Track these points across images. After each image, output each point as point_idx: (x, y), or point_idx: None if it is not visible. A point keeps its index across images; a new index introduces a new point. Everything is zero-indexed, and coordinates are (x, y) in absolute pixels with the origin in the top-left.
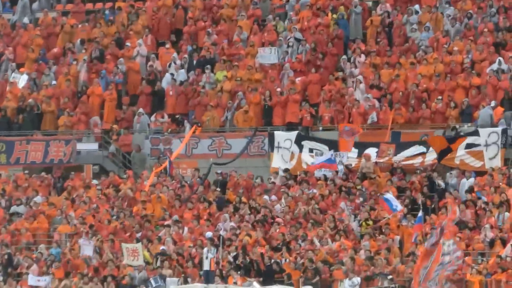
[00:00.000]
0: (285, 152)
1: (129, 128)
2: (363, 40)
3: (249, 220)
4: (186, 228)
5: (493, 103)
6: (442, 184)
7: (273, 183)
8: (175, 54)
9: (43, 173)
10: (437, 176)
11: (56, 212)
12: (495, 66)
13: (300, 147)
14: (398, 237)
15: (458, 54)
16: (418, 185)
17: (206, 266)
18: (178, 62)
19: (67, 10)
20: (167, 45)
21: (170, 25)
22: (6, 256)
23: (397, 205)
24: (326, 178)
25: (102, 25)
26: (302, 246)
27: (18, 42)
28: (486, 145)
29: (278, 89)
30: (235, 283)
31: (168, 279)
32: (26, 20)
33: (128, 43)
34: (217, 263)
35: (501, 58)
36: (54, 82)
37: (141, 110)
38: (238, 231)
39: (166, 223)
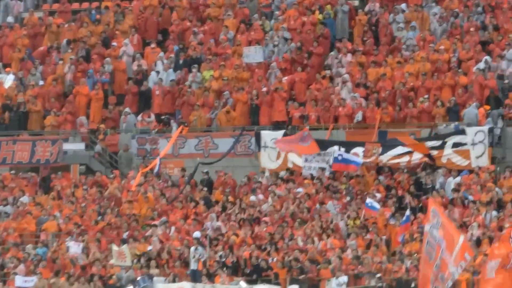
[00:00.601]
0: (272, 152)
1: (116, 128)
2: (349, 39)
3: (235, 219)
4: (173, 228)
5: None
6: (430, 183)
7: (260, 182)
8: (161, 54)
9: (29, 173)
10: (425, 175)
11: (42, 212)
12: (481, 65)
13: None
14: (384, 237)
15: (444, 53)
16: (406, 184)
17: (193, 266)
18: (165, 61)
19: (53, 10)
20: (153, 45)
21: (157, 25)
22: None
23: (376, 205)
24: (312, 177)
25: (89, 25)
26: (289, 245)
27: (4, 42)
28: (473, 144)
29: (265, 88)
30: (222, 282)
31: (155, 278)
32: (10, 19)
33: (114, 43)
34: (204, 262)
35: (487, 57)
36: (41, 82)
37: (127, 109)
38: (225, 231)
39: (154, 223)
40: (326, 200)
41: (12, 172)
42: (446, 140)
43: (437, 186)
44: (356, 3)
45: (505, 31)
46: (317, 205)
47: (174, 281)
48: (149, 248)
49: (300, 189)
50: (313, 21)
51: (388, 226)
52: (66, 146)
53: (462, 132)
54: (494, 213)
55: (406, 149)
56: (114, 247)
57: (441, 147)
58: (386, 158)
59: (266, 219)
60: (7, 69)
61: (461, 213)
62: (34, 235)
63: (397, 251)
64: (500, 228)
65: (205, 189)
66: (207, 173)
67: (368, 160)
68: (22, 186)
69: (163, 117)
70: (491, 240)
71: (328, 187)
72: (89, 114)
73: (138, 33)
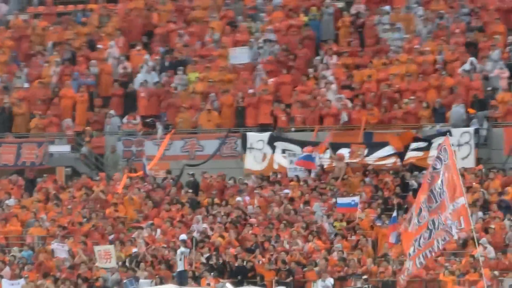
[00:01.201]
0: (258, 153)
1: (102, 130)
2: (335, 41)
3: (221, 221)
4: (159, 230)
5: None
6: (415, 184)
7: (246, 184)
8: (147, 56)
9: (14, 175)
10: (410, 176)
11: (28, 215)
12: (467, 66)
13: (273, 148)
14: (371, 238)
15: (430, 54)
16: (391, 186)
17: (179, 268)
18: (151, 63)
19: (38, 12)
20: (138, 47)
21: (142, 27)
22: None
23: (353, 199)
24: (299, 179)
25: (74, 27)
26: (275, 247)
27: None
28: (459, 145)
29: (251, 90)
30: (208, 284)
31: (141, 280)
32: None
33: (100, 45)
34: (190, 264)
35: (473, 59)
36: (26, 84)
37: (111, 111)
38: (211, 233)
39: (140, 225)
40: (312, 202)
41: None
42: (432, 141)
43: None
44: (342, 5)
45: (490, 32)
46: (301, 206)
47: (160, 283)
48: (135, 250)
49: (286, 191)
50: (299, 23)
51: (374, 228)
52: (52, 149)
53: (448, 133)
54: (480, 214)
55: (392, 151)
56: (99, 248)
57: (427, 149)
58: (373, 159)
59: (252, 221)
60: None
61: None
62: (20, 238)
63: (383, 253)
64: (486, 230)
65: (191, 191)
66: (193, 175)
67: (354, 161)
68: (8, 188)
69: (148, 120)
70: (476, 241)
71: (314, 189)
72: (75, 117)
73: (123, 35)
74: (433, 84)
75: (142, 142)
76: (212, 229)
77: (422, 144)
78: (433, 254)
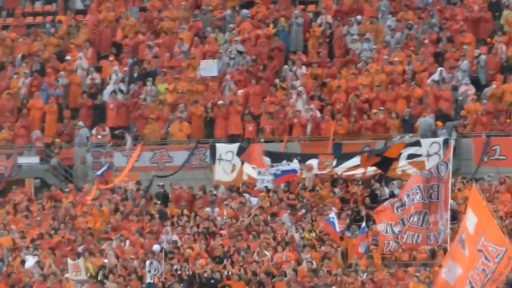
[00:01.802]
0: (227, 164)
1: (71, 142)
2: (304, 51)
3: (191, 232)
4: (127, 242)
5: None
6: (386, 194)
7: (215, 195)
8: (116, 67)
9: None
10: (379, 186)
11: None
12: (436, 76)
13: (242, 159)
14: (340, 249)
15: (399, 65)
16: (360, 196)
17: (148, 279)
18: (120, 75)
19: (7, 24)
20: (111, 58)
21: (111, 38)
22: None
23: (338, 226)
24: (268, 190)
25: (43, 39)
26: (245, 258)
27: None
28: (428, 155)
29: (220, 101)
30: None
31: None
32: None
33: (68, 57)
34: (160, 275)
35: (442, 69)
36: None
37: (80, 123)
38: (180, 244)
39: (109, 237)
40: (281, 213)
41: None
42: (401, 151)
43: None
44: (311, 15)
45: (459, 42)
46: (268, 217)
47: None
48: (105, 261)
49: (254, 201)
50: (268, 34)
51: (344, 238)
52: (21, 160)
53: (417, 143)
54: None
55: None
56: (70, 261)
57: (396, 159)
58: (341, 170)
59: (222, 232)
60: None
61: None
62: None
63: (353, 263)
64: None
65: (160, 202)
66: (162, 186)
67: (323, 172)
68: None
69: (117, 131)
70: (445, 251)
71: (283, 200)
72: (44, 128)
73: (92, 46)
74: (402, 95)
75: (111, 154)
76: (181, 240)
77: None
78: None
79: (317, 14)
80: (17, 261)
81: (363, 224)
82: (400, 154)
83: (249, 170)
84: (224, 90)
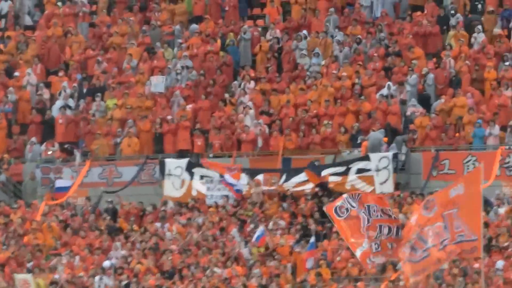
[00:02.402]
0: (176, 180)
1: (20, 158)
2: (252, 66)
3: (140, 248)
4: (77, 257)
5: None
6: None
7: (164, 211)
8: (65, 83)
9: None
10: (328, 201)
11: None
12: (384, 91)
13: (191, 174)
14: (289, 264)
15: (347, 80)
16: (307, 211)
17: None
18: (68, 90)
19: None
20: (60, 73)
21: (60, 54)
22: None
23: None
24: (217, 205)
25: None
26: (194, 273)
27: None
28: (377, 170)
29: (169, 117)
30: None
31: None
32: None
33: (17, 73)
34: None
35: (390, 83)
36: None
37: (33, 139)
38: (129, 259)
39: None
40: (230, 228)
41: None
42: (350, 166)
43: None
44: (259, 30)
45: (407, 57)
46: (217, 232)
47: None
48: (55, 277)
49: (199, 219)
50: (216, 49)
51: (293, 253)
52: None
53: (366, 158)
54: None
55: None
56: (18, 276)
57: (345, 173)
58: (291, 185)
59: (172, 247)
60: None
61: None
62: None
63: (303, 279)
64: None
65: (109, 217)
66: (111, 202)
67: (270, 188)
68: None
69: (66, 146)
70: (394, 266)
71: (232, 215)
72: None
73: (41, 62)
74: (351, 109)
75: (61, 169)
76: (130, 255)
77: (340, 169)
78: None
79: (265, 29)
80: None
81: (312, 240)
82: (349, 169)
83: (198, 185)
84: (173, 106)
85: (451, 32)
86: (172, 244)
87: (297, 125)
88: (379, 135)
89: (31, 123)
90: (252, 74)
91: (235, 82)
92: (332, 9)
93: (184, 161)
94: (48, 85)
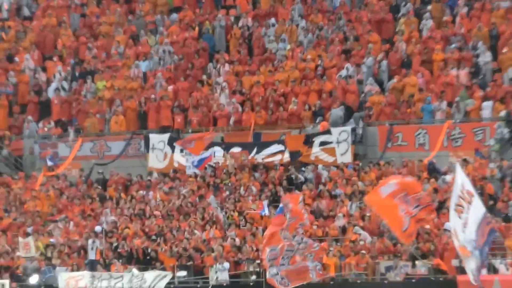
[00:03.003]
0: (159, 153)
1: (20, 134)
2: (226, 51)
3: (128, 214)
4: (71, 223)
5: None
6: (301, 178)
7: (149, 180)
8: (59, 67)
9: None
10: (295, 170)
11: None
12: (343, 72)
13: (172, 148)
14: (261, 227)
15: (311, 62)
16: (277, 180)
17: (91, 256)
18: (63, 74)
19: None
20: (55, 59)
21: (54, 41)
22: None
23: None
24: (196, 175)
25: None
26: (176, 236)
27: None
28: (338, 142)
29: (152, 96)
30: (117, 270)
31: (57, 268)
32: None
33: (17, 58)
34: (101, 253)
35: (348, 65)
36: None
37: (29, 117)
38: (118, 224)
39: (55, 218)
40: (208, 195)
41: None
42: (313, 139)
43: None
44: (232, 19)
45: (364, 41)
46: (196, 199)
47: (77, 270)
48: (52, 240)
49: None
50: (194, 36)
51: (263, 218)
52: None
53: (328, 132)
54: (358, 203)
55: (279, 148)
56: (20, 239)
57: (310, 146)
58: (261, 156)
59: (156, 213)
60: None
61: (328, 205)
62: None
63: None
64: (363, 217)
65: (100, 187)
66: (102, 173)
67: (241, 163)
68: None
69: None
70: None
71: (209, 184)
72: None
73: (38, 49)
74: (314, 89)
75: (56, 144)
76: (119, 220)
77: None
78: None
79: (238, 18)
80: None
81: (280, 205)
82: (313, 142)
83: (179, 158)
84: (156, 86)
85: (402, 19)
86: (156, 210)
87: (266, 103)
88: (339, 111)
89: (30, 103)
90: (226, 58)
91: (211, 64)
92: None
93: (166, 136)
94: (44, 69)
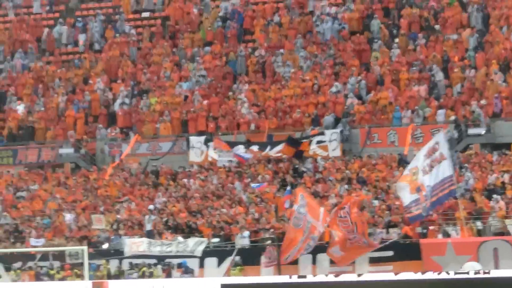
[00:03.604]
0: (197, 151)
1: (93, 138)
2: (246, 74)
3: (174, 196)
4: (133, 203)
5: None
6: (304, 169)
7: (190, 171)
8: (122, 87)
9: (37, 169)
10: (299, 163)
11: (47, 195)
12: (333, 89)
13: (207, 147)
14: (273, 205)
15: (309, 81)
16: (285, 170)
17: (148, 228)
18: (125, 92)
19: (50, 60)
20: (119, 81)
21: (118, 68)
22: (14, 226)
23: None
24: (225, 167)
25: (73, 69)
26: (211, 212)
27: (17, 82)
28: (330, 141)
29: (192, 109)
30: (167, 238)
31: (123, 237)
32: (19, 67)
33: (90, 81)
34: (155, 225)
35: (337, 83)
36: (42, 108)
37: (100, 125)
38: (167, 204)
39: (121, 200)
40: (234, 182)
41: (26, 169)
42: (312, 139)
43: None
44: (250, 50)
45: (349, 66)
46: (228, 185)
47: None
48: (118, 216)
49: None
50: (222, 63)
51: (275, 198)
52: (61, 151)
53: (322, 134)
54: (346, 187)
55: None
56: (93, 215)
57: (309, 143)
58: (273, 152)
59: (196, 195)
60: (19, 101)
61: (323, 188)
62: (41, 211)
63: (283, 215)
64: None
65: (154, 176)
66: (155, 166)
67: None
68: (33, 178)
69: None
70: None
71: (236, 173)
72: (76, 129)
73: (106, 74)
74: (312, 101)
75: (120, 145)
76: (168, 201)
77: (305, 141)
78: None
79: (254, 49)
80: (60, 218)
81: (288, 188)
82: (311, 141)
83: (212, 154)
84: (194, 101)
85: (377, 49)
86: (195, 193)
87: (276, 112)
88: (331, 118)
89: (100, 115)
90: (246, 79)
91: (235, 85)
92: (298, 35)
93: (202, 138)
94: (111, 89)
